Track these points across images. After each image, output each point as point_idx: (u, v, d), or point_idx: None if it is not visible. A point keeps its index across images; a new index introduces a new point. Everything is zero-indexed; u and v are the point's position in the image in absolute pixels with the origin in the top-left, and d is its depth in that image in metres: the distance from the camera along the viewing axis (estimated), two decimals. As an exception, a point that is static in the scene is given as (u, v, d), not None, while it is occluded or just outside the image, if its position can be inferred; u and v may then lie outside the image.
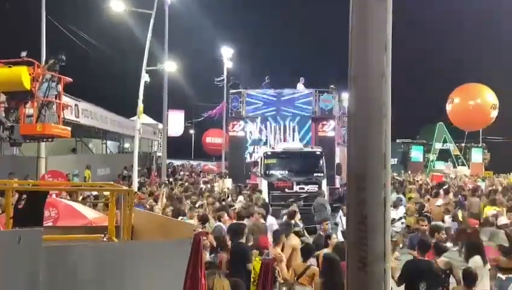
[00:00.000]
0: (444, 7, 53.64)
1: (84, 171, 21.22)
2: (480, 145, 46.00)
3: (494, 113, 38.41)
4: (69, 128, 11.71)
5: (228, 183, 19.16)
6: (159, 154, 34.67)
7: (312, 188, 16.60)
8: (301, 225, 10.77)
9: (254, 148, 22.31)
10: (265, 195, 16.34)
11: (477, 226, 11.77)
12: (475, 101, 38.44)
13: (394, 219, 11.68)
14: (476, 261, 6.91)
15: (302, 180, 16.93)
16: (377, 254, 2.60)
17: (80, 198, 12.52)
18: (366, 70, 2.76)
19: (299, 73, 24.78)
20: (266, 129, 22.40)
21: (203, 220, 9.16)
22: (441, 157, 44.83)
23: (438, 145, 44.67)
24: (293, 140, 21.10)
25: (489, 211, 12.24)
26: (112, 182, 7.82)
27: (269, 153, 18.04)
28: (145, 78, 19.16)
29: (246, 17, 64.00)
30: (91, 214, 6.81)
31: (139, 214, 5.36)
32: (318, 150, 18.09)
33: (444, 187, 18.05)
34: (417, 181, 26.17)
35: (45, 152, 17.92)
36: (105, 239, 4.96)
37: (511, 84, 42.61)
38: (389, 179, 2.72)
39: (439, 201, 14.31)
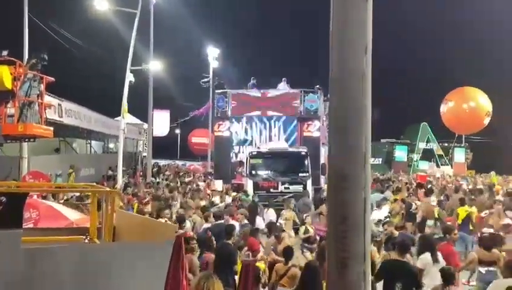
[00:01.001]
0: (432, 9, 54.09)
1: (68, 171, 21.01)
2: (463, 145, 46.58)
3: (487, 120, 38.78)
4: (52, 128, 11.57)
5: (218, 184, 19.00)
6: (144, 154, 34.46)
7: (297, 188, 16.65)
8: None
9: (240, 148, 22.28)
10: (250, 195, 16.35)
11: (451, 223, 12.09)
12: (471, 107, 38.38)
13: (381, 220, 11.72)
14: (425, 257, 7.08)
15: (287, 180, 16.96)
16: (357, 254, 2.61)
17: (63, 199, 12.40)
18: (346, 72, 2.77)
19: (285, 73, 24.81)
20: (252, 129, 22.37)
21: (180, 220, 9.11)
22: (425, 157, 45.30)
23: (422, 145, 45.13)
24: (279, 140, 21.10)
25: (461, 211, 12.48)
26: (94, 183, 7.73)
27: (254, 153, 18.04)
28: (129, 77, 19.05)
29: (232, 17, 63.98)
30: (73, 215, 6.74)
31: (122, 215, 5.32)
32: (303, 150, 18.13)
33: (428, 187, 18.23)
34: (400, 180, 26.36)
35: (27, 152, 17.68)
36: (86, 241, 4.91)
37: (492, 86, 43.22)
38: (369, 179, 2.73)
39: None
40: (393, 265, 6.60)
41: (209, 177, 25.72)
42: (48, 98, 13.42)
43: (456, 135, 43.93)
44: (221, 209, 11.86)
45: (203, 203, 13.54)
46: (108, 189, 5.55)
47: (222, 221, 9.55)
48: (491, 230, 10.33)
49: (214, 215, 10.31)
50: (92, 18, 21.80)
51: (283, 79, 23.69)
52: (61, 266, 3.56)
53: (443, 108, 39.96)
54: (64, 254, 3.64)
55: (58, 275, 3.55)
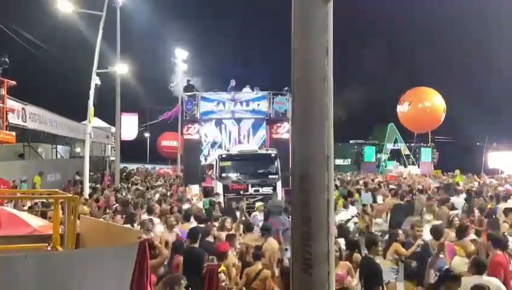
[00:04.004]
0: (399, 9, 55.03)
1: (34, 177, 20.50)
2: (429, 145, 47.60)
3: (443, 116, 39.75)
4: (14, 133, 11.27)
5: (195, 189, 18.77)
6: (112, 158, 33.90)
7: (267, 190, 16.68)
8: None
9: (209, 151, 22.20)
10: (220, 198, 16.27)
11: None
12: (427, 105, 39.15)
13: (349, 219, 11.91)
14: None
15: (257, 182, 16.97)
16: (320, 255, 2.61)
17: (28, 206, 12.08)
18: (308, 73, 2.78)
19: (254, 74, 24.89)
20: (221, 132, 22.33)
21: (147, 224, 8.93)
22: (393, 157, 46.08)
23: (390, 146, 45.86)
24: (248, 142, 21.12)
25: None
26: (57, 189, 7.54)
27: (224, 156, 17.98)
28: (95, 81, 18.72)
29: (200, 19, 63.74)
30: (36, 222, 6.53)
31: (86, 221, 5.20)
32: (273, 152, 18.18)
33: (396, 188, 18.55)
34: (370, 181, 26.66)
35: (-11, 158, 17.20)
36: (49, 248, 4.79)
37: (460, 88, 44.44)
38: (332, 181, 2.74)
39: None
40: (362, 262, 6.99)
41: (177, 181, 25.47)
42: (10, 103, 13.07)
43: (416, 134, 44.73)
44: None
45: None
46: (70, 195, 5.41)
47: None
48: (440, 222, 10.88)
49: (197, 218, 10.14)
50: (57, 20, 21.35)
51: (246, 86, 23.73)
52: (22, 275, 3.45)
53: (401, 108, 40.29)
54: (24, 262, 3.52)
55: (18, 284, 3.44)
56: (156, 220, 10.02)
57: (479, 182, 23.79)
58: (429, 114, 38.72)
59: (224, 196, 16.49)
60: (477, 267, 6.09)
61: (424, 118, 38.64)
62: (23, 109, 18.68)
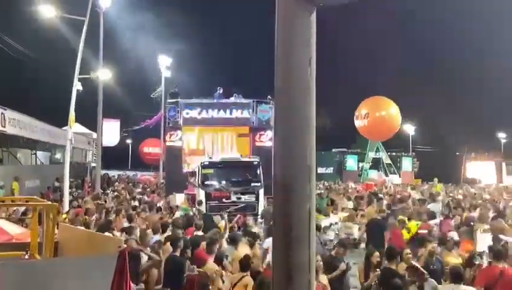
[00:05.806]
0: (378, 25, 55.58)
1: (12, 183, 20.12)
2: (410, 154, 48.12)
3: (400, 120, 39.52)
4: (-8, 139, 11.07)
5: (180, 198, 18.53)
6: (93, 164, 33.47)
7: (249, 197, 16.66)
8: None
9: (192, 158, 22.11)
10: (202, 205, 16.21)
11: None
12: (383, 114, 38.31)
13: (326, 226, 11.96)
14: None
15: (239, 190, 16.92)
16: (301, 265, 2.61)
17: (8, 213, 11.86)
18: (291, 83, 2.78)
19: (239, 82, 24.95)
20: (204, 139, 22.28)
21: (129, 232, 8.81)
22: (375, 166, 46.41)
23: (371, 154, 46.14)
24: (231, 150, 21.10)
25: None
26: (36, 197, 7.39)
27: (206, 163, 17.91)
28: (77, 86, 18.50)
29: (184, 26, 63.61)
30: (14, 230, 6.40)
31: (65, 229, 5.12)
32: (255, 160, 18.18)
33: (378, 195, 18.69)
34: (350, 190, 26.83)
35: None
36: (27, 256, 4.69)
37: (438, 98, 44.97)
38: (313, 191, 2.74)
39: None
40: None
41: (159, 190, 25.21)
42: (-11, 107, 12.88)
43: (380, 143, 44.67)
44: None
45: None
46: (48, 203, 5.32)
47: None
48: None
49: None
50: (38, 25, 21.12)
51: (234, 94, 23.76)
52: (-2, 284, 3.38)
53: (361, 123, 39.30)
54: (0, 271, 3.45)
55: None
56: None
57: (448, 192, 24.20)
58: (388, 121, 38.01)
59: (206, 203, 16.42)
60: (454, 276, 6.15)
61: (383, 126, 37.94)
62: (2, 113, 18.40)
